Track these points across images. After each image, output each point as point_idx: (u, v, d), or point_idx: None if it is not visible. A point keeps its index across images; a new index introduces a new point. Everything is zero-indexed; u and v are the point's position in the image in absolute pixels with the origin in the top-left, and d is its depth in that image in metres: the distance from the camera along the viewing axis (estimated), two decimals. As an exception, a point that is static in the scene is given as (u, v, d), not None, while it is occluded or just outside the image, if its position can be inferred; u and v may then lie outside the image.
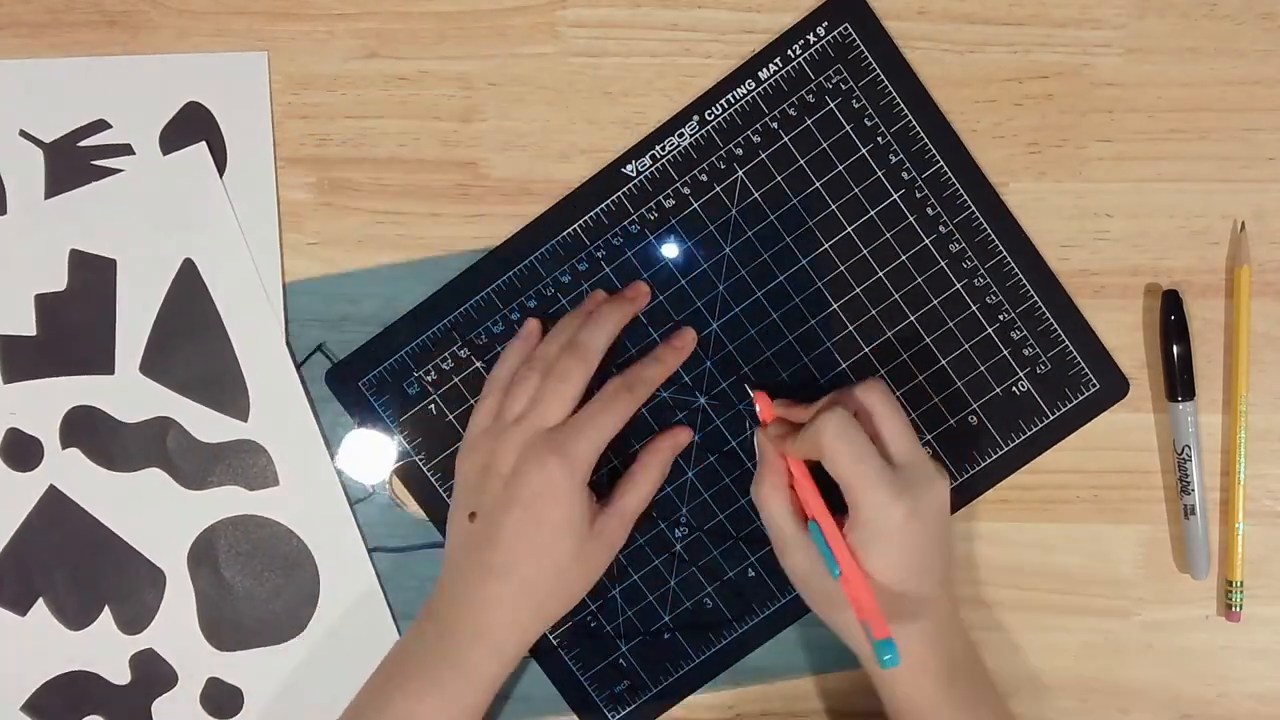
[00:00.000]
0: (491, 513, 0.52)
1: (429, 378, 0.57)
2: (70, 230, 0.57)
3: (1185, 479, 0.56)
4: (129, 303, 0.57)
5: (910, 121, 0.56)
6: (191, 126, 0.57)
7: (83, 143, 0.57)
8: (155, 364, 0.58)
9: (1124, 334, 0.57)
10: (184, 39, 0.57)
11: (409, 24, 0.57)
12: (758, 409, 0.55)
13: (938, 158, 0.56)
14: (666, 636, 0.58)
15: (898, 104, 0.56)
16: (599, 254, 0.57)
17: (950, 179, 0.56)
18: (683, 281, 0.57)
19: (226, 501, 0.58)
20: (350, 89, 0.57)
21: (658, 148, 0.56)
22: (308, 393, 0.58)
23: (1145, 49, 0.56)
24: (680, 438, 0.56)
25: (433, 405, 0.57)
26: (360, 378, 0.58)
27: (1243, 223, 0.57)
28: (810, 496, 0.51)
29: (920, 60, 0.56)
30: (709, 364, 0.57)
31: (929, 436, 0.57)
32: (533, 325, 0.56)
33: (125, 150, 0.57)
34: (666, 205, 0.57)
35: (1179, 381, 0.56)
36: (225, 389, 0.58)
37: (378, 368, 0.57)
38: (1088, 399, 0.57)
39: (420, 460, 0.58)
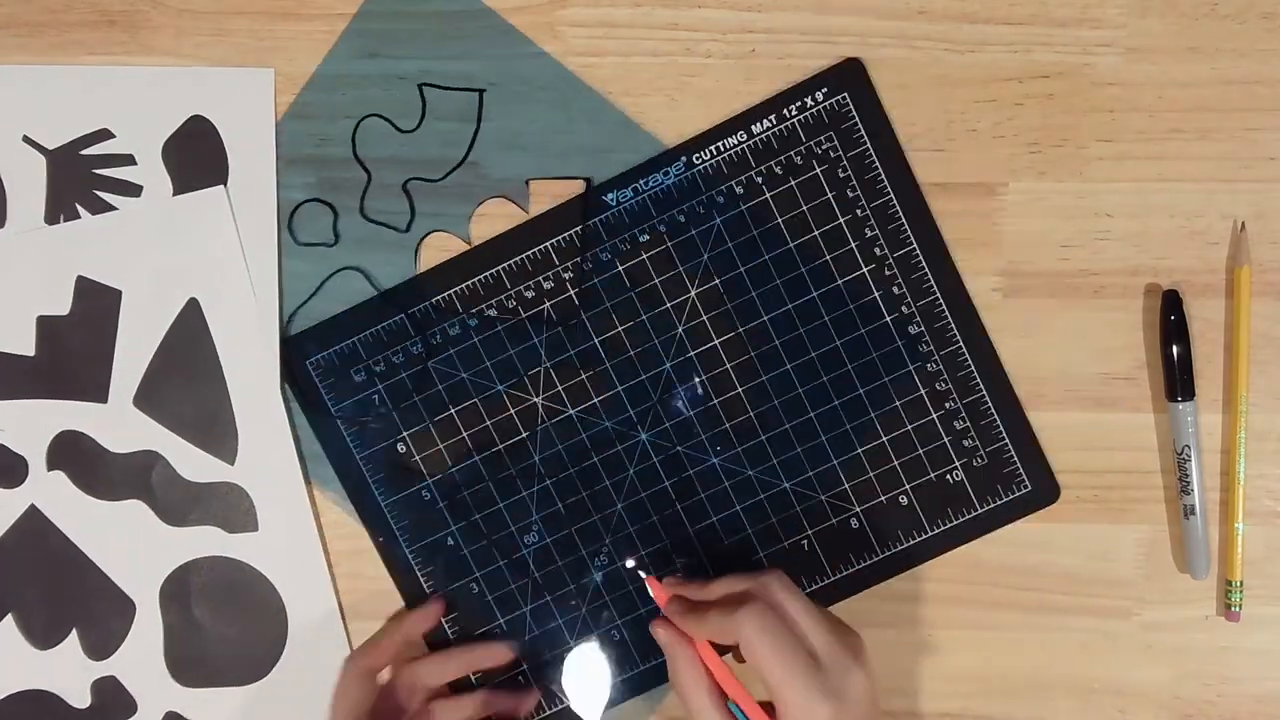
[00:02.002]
0: None
1: (378, 368, 0.57)
2: (79, 256, 0.58)
3: (1185, 479, 0.56)
4: (130, 334, 0.58)
5: (891, 200, 0.56)
6: (195, 140, 0.57)
7: (85, 151, 0.57)
8: (149, 398, 0.58)
9: (1124, 334, 0.57)
10: (184, 38, 0.57)
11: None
12: (652, 594, 0.54)
13: (911, 240, 0.56)
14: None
15: (882, 180, 0.56)
16: (566, 275, 0.57)
17: (921, 262, 0.57)
18: (644, 316, 0.57)
19: (204, 541, 0.58)
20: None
21: (640, 181, 0.57)
22: (298, 444, 0.58)
23: (1145, 49, 0.56)
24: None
25: (375, 396, 0.58)
26: (309, 357, 0.58)
27: (1243, 223, 0.57)
28: (728, 679, 0.49)
29: (920, 60, 0.56)
30: (655, 402, 0.57)
31: (858, 509, 0.57)
32: None
33: (128, 160, 0.57)
34: (641, 239, 0.57)
35: (1179, 381, 0.56)
36: (215, 431, 0.58)
37: (328, 349, 0.58)
38: (1017, 499, 0.57)
39: (355, 449, 0.58)
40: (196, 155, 0.57)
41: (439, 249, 0.58)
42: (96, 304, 0.58)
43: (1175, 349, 0.56)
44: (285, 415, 0.58)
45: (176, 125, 0.57)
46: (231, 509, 0.58)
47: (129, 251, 0.57)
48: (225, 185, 0.57)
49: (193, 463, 0.58)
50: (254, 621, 0.59)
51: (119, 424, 0.58)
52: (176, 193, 0.57)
